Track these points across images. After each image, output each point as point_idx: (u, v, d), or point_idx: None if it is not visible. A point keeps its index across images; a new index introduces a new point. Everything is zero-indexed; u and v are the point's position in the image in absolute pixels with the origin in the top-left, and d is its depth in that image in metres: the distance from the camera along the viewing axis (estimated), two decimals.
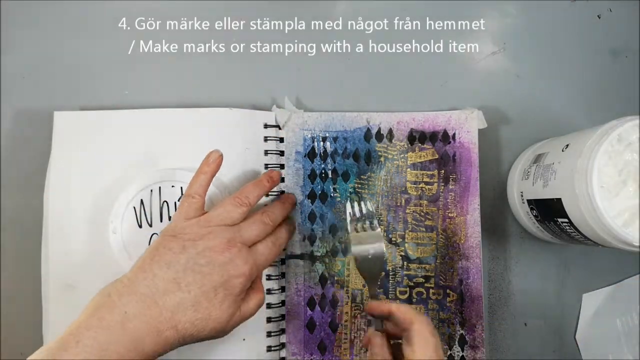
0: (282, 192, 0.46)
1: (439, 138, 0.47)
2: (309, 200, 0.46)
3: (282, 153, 0.46)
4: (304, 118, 0.47)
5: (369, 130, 0.47)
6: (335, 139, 0.47)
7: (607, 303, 0.47)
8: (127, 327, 0.33)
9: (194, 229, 0.38)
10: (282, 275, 0.45)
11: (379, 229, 0.42)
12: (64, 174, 0.44)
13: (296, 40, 0.49)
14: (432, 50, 0.49)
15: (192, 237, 0.37)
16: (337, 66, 0.48)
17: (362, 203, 0.43)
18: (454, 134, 0.47)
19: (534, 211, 0.42)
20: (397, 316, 0.36)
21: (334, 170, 0.46)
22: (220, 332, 0.37)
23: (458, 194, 0.46)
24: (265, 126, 0.46)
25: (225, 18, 0.48)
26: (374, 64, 0.49)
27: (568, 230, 0.39)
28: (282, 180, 0.46)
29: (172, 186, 0.43)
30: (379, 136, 0.47)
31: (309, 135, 0.47)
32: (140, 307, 0.34)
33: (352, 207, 0.43)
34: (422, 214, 0.46)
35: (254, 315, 0.40)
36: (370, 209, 0.43)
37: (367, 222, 0.42)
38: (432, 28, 0.49)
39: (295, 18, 0.49)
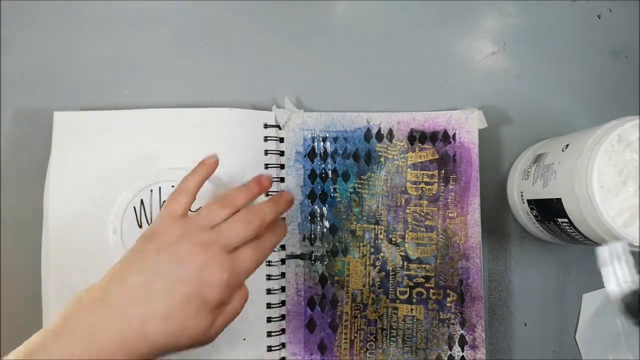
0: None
1: (439, 138, 0.47)
2: (309, 200, 0.46)
3: (282, 153, 0.46)
4: (304, 118, 0.47)
5: (369, 130, 0.47)
6: (335, 139, 0.47)
7: (607, 303, 0.47)
8: (96, 337, 0.31)
9: (173, 230, 0.35)
10: (282, 275, 0.45)
11: None
12: (64, 174, 0.44)
13: (296, 40, 0.49)
14: (432, 50, 0.49)
15: (167, 240, 0.34)
16: (337, 66, 0.48)
17: None
18: (454, 134, 0.47)
19: (534, 211, 0.42)
20: None
21: (334, 170, 0.46)
22: (202, 342, 0.34)
23: (458, 194, 0.46)
24: (266, 126, 0.46)
25: (225, 18, 0.48)
26: (374, 64, 0.49)
27: (568, 230, 0.39)
28: (282, 180, 0.46)
29: (172, 186, 0.43)
30: (379, 136, 0.47)
31: (309, 135, 0.47)
32: (110, 317, 0.32)
33: None
34: (422, 214, 0.46)
35: (240, 312, 0.36)
36: None
37: None
38: (432, 28, 0.49)
39: (296, 18, 0.49)
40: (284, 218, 0.44)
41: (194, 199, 0.38)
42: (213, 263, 0.34)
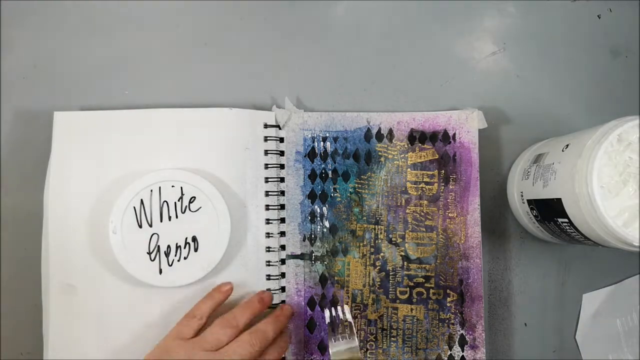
0: (283, 192, 0.46)
1: (439, 138, 0.47)
2: (309, 200, 0.46)
3: (282, 153, 0.46)
4: (304, 118, 0.47)
5: (369, 130, 0.47)
6: (335, 139, 0.47)
7: (607, 303, 0.47)
8: None
9: (179, 353, 0.38)
10: (282, 275, 0.45)
11: (355, 342, 0.41)
12: (64, 174, 0.44)
13: (296, 40, 0.49)
14: (432, 50, 0.49)
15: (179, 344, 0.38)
16: (337, 66, 0.48)
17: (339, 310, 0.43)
18: (454, 134, 0.47)
19: (534, 211, 0.42)
20: None
21: (334, 170, 0.46)
22: None
23: (458, 194, 0.46)
24: (265, 126, 0.46)
25: (225, 18, 0.48)
26: (374, 64, 0.49)
27: (568, 230, 0.39)
28: (282, 180, 0.46)
29: (172, 186, 0.43)
30: (379, 136, 0.47)
31: (309, 135, 0.47)
32: None
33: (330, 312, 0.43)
34: (422, 214, 0.46)
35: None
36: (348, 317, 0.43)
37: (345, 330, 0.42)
38: (432, 28, 0.49)
39: (296, 18, 0.49)
40: (284, 331, 0.44)
41: (206, 322, 0.40)
42: None
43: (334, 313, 0.43)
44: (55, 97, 0.47)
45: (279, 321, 0.42)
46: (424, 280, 0.46)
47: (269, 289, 0.45)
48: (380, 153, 0.47)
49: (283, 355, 0.45)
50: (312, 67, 0.48)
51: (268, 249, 0.45)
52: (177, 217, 0.43)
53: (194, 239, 0.43)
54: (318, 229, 0.46)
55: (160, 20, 0.48)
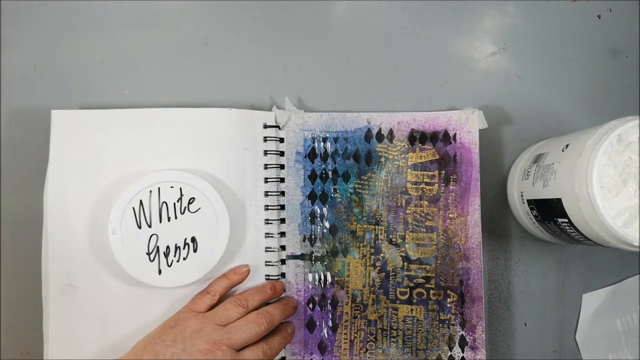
0: (282, 192, 0.46)
1: (440, 138, 0.47)
2: (309, 201, 0.46)
3: (281, 153, 0.46)
4: (305, 118, 0.47)
5: (369, 130, 0.47)
6: (335, 140, 0.47)
7: (607, 303, 0.47)
8: None
9: (191, 323, 0.39)
10: (282, 275, 0.45)
11: None
12: (63, 174, 0.44)
13: (296, 40, 0.49)
14: (432, 51, 0.49)
15: (185, 331, 0.39)
16: (337, 66, 0.48)
17: None
18: (455, 135, 0.47)
19: (534, 211, 0.42)
20: None
21: (335, 171, 0.46)
22: None
23: (458, 194, 0.46)
24: (265, 126, 0.46)
25: (224, 18, 0.48)
26: (374, 64, 0.49)
27: (568, 230, 0.39)
28: (282, 180, 0.46)
29: (172, 187, 0.43)
30: (380, 136, 0.47)
31: (310, 136, 0.47)
32: None
33: None
34: (423, 214, 0.46)
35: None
36: None
37: None
38: (432, 28, 0.49)
39: (296, 18, 0.49)
40: (289, 322, 0.45)
41: (218, 300, 0.42)
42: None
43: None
44: (55, 97, 0.47)
45: (286, 309, 0.43)
46: (424, 281, 0.46)
47: None
48: (380, 153, 0.47)
49: (283, 352, 0.45)
50: (312, 67, 0.48)
51: (267, 249, 0.45)
52: (176, 217, 0.43)
53: (193, 239, 0.43)
54: (318, 230, 0.46)
55: (160, 20, 0.48)
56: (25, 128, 0.46)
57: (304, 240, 0.46)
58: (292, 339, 0.44)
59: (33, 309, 0.43)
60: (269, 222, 0.45)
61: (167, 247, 0.43)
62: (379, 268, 0.46)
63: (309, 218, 0.46)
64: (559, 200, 0.38)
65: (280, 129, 0.47)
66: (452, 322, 0.45)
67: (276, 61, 0.48)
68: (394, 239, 0.46)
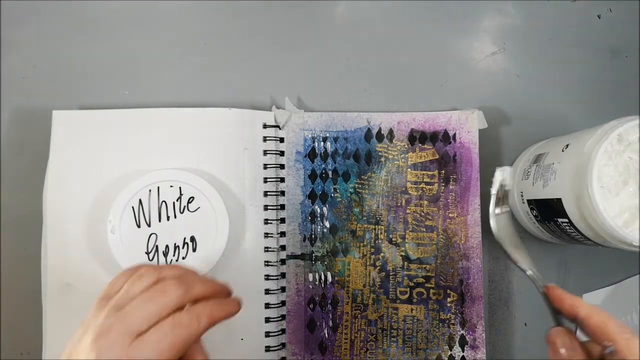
0: (282, 192, 0.46)
1: (440, 138, 0.47)
2: (310, 201, 0.46)
3: (281, 153, 0.46)
4: (305, 118, 0.47)
5: (369, 130, 0.47)
6: (335, 139, 0.47)
7: (607, 303, 0.47)
8: None
9: (94, 309, 0.31)
10: (283, 275, 0.45)
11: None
12: (62, 174, 0.44)
13: (296, 40, 0.49)
14: (432, 50, 0.49)
15: (79, 332, 0.30)
16: (337, 66, 0.48)
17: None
18: (455, 134, 0.47)
19: (534, 211, 0.42)
20: (591, 325, 0.29)
21: (335, 171, 0.46)
22: None
23: (458, 194, 0.46)
24: (265, 126, 0.46)
25: (224, 18, 0.48)
26: (374, 64, 0.49)
27: (568, 230, 0.39)
28: (282, 180, 0.46)
29: (171, 186, 0.43)
30: (380, 136, 0.47)
31: (310, 136, 0.47)
32: None
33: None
34: (423, 214, 0.46)
35: None
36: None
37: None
38: (432, 28, 0.49)
39: (296, 18, 0.49)
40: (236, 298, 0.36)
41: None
42: (107, 353, 0.28)
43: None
44: (55, 97, 0.47)
45: (212, 285, 0.33)
46: (424, 281, 0.46)
47: (267, 290, 0.44)
48: (380, 153, 0.47)
49: (283, 352, 0.44)
50: (312, 67, 0.48)
51: (267, 249, 0.45)
52: (175, 217, 0.43)
53: (192, 239, 0.43)
54: (318, 229, 0.46)
55: (160, 20, 0.48)
56: (25, 128, 0.46)
57: (304, 240, 0.46)
58: (237, 310, 0.33)
59: (33, 309, 0.43)
60: (269, 222, 0.45)
61: (167, 246, 0.43)
62: (379, 268, 0.46)
63: (309, 218, 0.46)
64: (559, 200, 0.38)
65: (280, 128, 0.47)
66: (452, 322, 0.45)
67: (276, 61, 0.48)
68: (394, 239, 0.46)
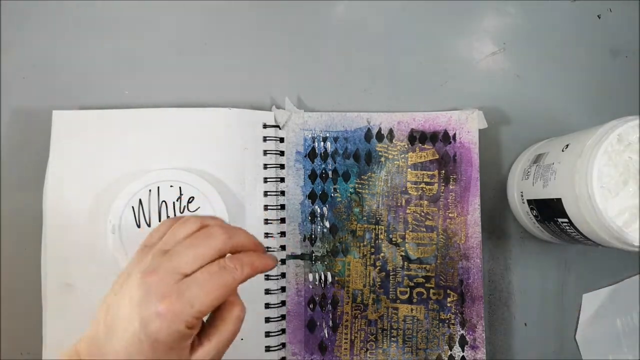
0: (282, 192, 0.46)
1: (440, 138, 0.47)
2: (310, 201, 0.46)
3: (281, 153, 0.46)
4: (305, 118, 0.47)
5: (369, 130, 0.47)
6: (335, 139, 0.47)
7: (607, 303, 0.47)
8: None
9: (130, 263, 0.31)
10: (283, 275, 0.45)
11: None
12: (62, 174, 0.44)
13: (296, 40, 0.49)
14: (432, 50, 0.49)
15: (123, 274, 0.30)
16: (337, 66, 0.48)
17: None
18: (455, 134, 0.47)
19: (534, 211, 0.42)
20: None
21: (335, 171, 0.46)
22: None
23: (458, 194, 0.46)
24: (265, 126, 0.46)
25: (225, 18, 0.48)
26: (374, 64, 0.49)
27: (568, 230, 0.39)
28: (282, 180, 0.46)
29: (171, 186, 0.43)
30: (380, 136, 0.47)
31: (310, 136, 0.47)
32: (92, 355, 0.29)
33: None
34: (423, 214, 0.46)
35: (236, 332, 0.32)
36: None
37: None
38: (432, 28, 0.49)
39: (295, 18, 0.49)
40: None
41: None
42: (154, 290, 0.28)
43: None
44: (55, 97, 0.47)
45: (255, 241, 0.33)
46: (424, 281, 0.46)
47: (267, 289, 0.44)
48: (380, 153, 0.47)
49: (283, 352, 0.44)
50: (312, 67, 0.48)
51: (267, 249, 0.45)
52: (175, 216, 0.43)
53: None
54: (318, 229, 0.46)
55: (160, 20, 0.48)
56: (25, 128, 0.46)
57: (304, 240, 0.46)
58: (274, 264, 0.33)
59: (33, 309, 0.43)
60: (269, 221, 0.45)
61: None
62: (379, 268, 0.46)
63: (309, 218, 0.46)
64: (559, 200, 0.38)
65: (280, 128, 0.47)
66: (452, 322, 0.45)
67: (276, 61, 0.48)
68: (394, 239, 0.46)
